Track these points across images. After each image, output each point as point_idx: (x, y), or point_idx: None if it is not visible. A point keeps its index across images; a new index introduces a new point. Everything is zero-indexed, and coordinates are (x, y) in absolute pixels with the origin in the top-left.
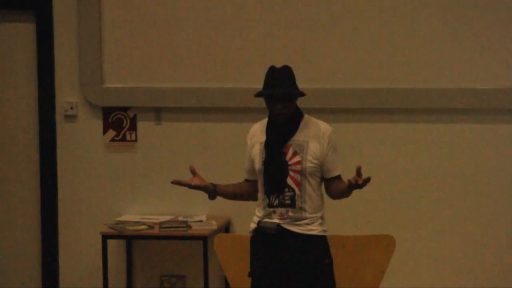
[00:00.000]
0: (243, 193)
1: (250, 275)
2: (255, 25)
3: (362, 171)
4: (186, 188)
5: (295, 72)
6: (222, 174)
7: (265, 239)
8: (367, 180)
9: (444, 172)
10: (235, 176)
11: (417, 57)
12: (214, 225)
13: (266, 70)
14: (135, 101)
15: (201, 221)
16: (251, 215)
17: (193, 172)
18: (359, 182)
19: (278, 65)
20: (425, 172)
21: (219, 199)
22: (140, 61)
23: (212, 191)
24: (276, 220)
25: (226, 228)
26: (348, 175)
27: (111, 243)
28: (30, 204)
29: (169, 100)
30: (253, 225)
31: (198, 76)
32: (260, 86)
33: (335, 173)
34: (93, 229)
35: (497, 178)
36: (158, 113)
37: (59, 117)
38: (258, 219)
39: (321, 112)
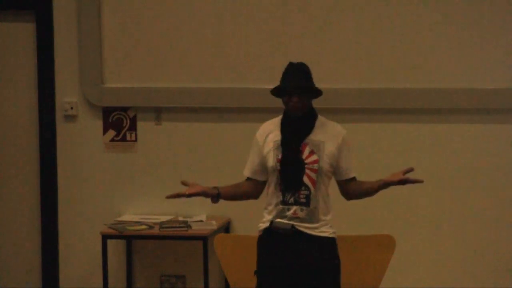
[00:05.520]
0: (243, 193)
1: (256, 273)
2: (255, 25)
3: (364, 173)
4: (186, 188)
5: None
6: (222, 174)
7: (276, 239)
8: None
9: (444, 172)
10: (235, 176)
11: (417, 57)
12: (214, 225)
13: (266, 70)
14: (135, 101)
15: (201, 221)
16: (251, 215)
17: (186, 184)
18: (403, 179)
19: (277, 65)
20: (425, 172)
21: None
22: (140, 61)
23: (215, 195)
24: (289, 220)
25: (226, 228)
26: None
27: (111, 243)
28: (30, 204)
29: (169, 100)
30: (263, 225)
31: (198, 76)
32: (260, 86)
33: (352, 174)
34: (93, 229)
35: (497, 178)
36: (158, 113)
37: (59, 117)
38: (270, 218)
39: (321, 112)
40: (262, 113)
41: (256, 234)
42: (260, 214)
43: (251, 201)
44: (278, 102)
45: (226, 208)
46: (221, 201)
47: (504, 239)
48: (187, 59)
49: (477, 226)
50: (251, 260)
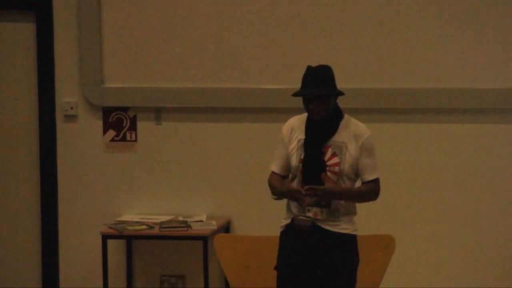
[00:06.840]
0: None
1: (276, 269)
2: (255, 25)
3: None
4: (186, 188)
5: (293, 72)
6: (223, 174)
7: (298, 235)
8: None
9: (444, 172)
10: (235, 176)
11: (417, 57)
12: (214, 225)
13: (266, 70)
14: (135, 101)
15: (201, 221)
16: (251, 215)
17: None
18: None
19: (277, 65)
20: (425, 172)
21: (218, 198)
22: (140, 61)
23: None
24: (310, 218)
25: (226, 228)
26: None
27: (111, 243)
28: (30, 204)
29: (169, 100)
30: (285, 221)
31: (198, 76)
32: (260, 86)
33: (367, 178)
34: (93, 229)
35: (497, 178)
36: (158, 113)
37: (59, 117)
38: (292, 215)
39: None
40: (262, 113)
41: (257, 234)
42: (260, 214)
43: (251, 201)
44: (278, 102)
45: (226, 208)
46: (221, 201)
47: (504, 239)
48: (187, 59)
49: (477, 226)
50: (251, 260)
